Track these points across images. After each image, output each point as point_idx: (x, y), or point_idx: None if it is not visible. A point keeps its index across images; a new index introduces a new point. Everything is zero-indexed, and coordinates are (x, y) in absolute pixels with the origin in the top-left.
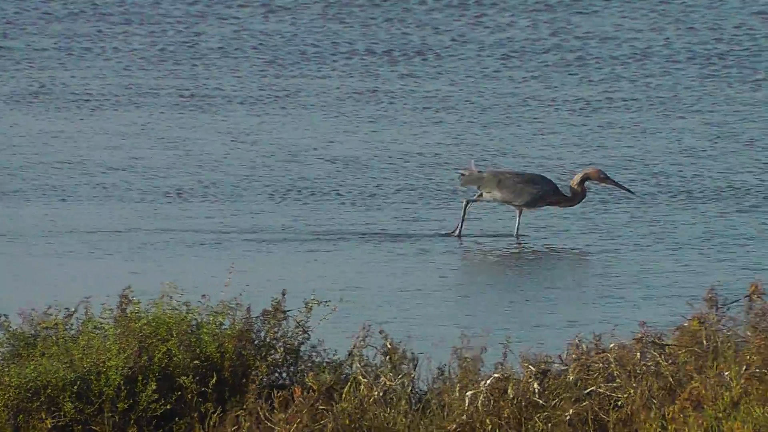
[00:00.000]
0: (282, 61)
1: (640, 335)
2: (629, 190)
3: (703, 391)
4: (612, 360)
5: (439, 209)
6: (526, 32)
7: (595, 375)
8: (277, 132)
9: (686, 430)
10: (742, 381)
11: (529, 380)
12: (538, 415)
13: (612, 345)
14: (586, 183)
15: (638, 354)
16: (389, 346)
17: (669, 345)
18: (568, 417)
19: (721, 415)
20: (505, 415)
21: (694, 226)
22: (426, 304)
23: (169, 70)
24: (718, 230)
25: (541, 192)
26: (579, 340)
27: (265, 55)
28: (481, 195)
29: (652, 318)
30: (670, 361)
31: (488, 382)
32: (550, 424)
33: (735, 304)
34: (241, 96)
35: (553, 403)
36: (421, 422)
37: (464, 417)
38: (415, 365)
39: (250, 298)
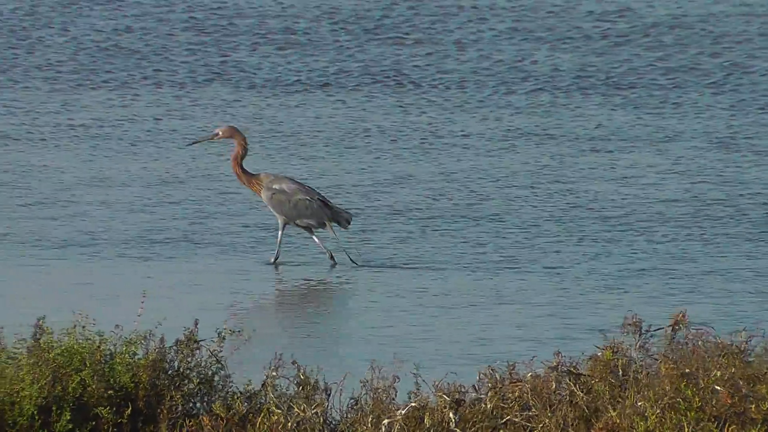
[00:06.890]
0: None
1: (555, 364)
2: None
3: (618, 421)
4: (528, 389)
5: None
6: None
7: (511, 404)
8: None
9: None
10: (658, 411)
11: (445, 409)
12: None
13: (528, 374)
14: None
15: (554, 383)
16: (302, 376)
17: (584, 374)
18: None
19: None
20: None
21: None
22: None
23: None
24: None
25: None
26: (492, 369)
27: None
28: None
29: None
30: (585, 391)
31: (404, 411)
32: None
33: (657, 332)
34: None
35: None
36: None
37: None
38: (329, 395)
39: (164, 329)
